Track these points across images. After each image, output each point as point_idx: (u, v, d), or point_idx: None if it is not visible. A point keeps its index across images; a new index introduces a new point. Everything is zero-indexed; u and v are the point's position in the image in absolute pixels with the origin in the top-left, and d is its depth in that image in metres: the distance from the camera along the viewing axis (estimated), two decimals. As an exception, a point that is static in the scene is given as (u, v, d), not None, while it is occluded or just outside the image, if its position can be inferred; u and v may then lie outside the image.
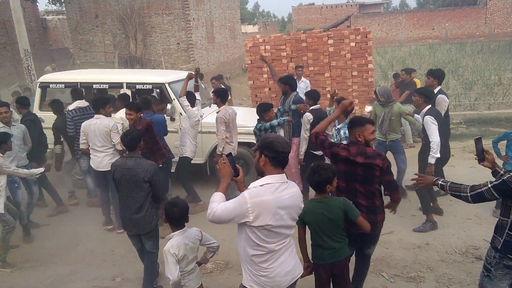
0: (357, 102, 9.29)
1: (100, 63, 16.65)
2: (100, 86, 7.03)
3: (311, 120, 5.61)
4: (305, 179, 3.06)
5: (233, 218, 2.39)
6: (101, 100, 5.56)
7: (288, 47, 9.60)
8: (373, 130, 3.38)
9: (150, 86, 6.84)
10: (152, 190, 3.95)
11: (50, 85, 7.27)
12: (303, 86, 8.51)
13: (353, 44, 9.21)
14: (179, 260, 3.04)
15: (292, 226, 2.55)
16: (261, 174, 2.52)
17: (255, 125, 5.33)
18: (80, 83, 7.03)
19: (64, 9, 20.27)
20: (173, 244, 3.04)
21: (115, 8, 16.71)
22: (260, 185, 2.43)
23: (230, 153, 2.75)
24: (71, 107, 6.24)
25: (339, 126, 5.24)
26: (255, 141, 5.46)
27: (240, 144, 6.30)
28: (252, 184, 2.47)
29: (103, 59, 16.78)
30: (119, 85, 6.97)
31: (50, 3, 17.53)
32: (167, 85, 6.67)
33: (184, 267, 3.08)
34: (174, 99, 6.58)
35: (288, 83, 6.02)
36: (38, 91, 7.27)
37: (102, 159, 5.46)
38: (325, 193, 3.02)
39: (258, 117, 5.34)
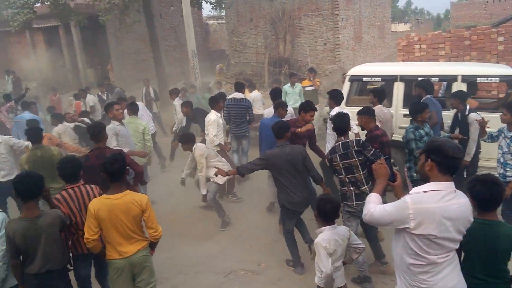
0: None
1: (252, 63, 17.82)
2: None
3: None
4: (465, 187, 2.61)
5: (391, 222, 2.34)
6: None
7: (448, 45, 8.79)
8: None
9: (497, 79, 5.92)
10: (308, 171, 4.48)
11: (363, 78, 6.73)
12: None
13: (530, 41, 7.95)
14: (329, 254, 3.09)
15: (458, 240, 2.34)
16: (426, 180, 2.37)
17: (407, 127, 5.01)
18: (400, 75, 6.27)
19: (223, 14, 22.31)
20: (324, 238, 3.12)
21: (268, 11, 17.65)
22: (424, 191, 2.29)
23: (388, 156, 2.68)
24: (229, 96, 7.22)
25: (511, 134, 4.54)
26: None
27: None
28: (415, 190, 2.35)
29: (254, 59, 17.92)
30: (452, 78, 6.05)
31: (212, 10, 19.54)
32: None
33: (332, 263, 3.12)
34: None
35: (423, 86, 5.75)
36: (346, 85, 6.72)
37: None
38: (492, 213, 2.56)
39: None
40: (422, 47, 9.05)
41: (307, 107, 5.25)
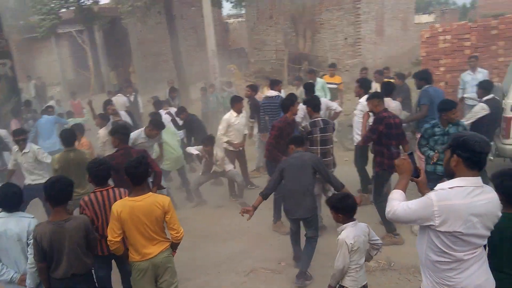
0: None
1: (271, 61, 17.76)
2: None
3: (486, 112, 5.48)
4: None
5: (415, 220, 2.29)
6: None
7: (474, 36, 8.51)
8: None
9: None
10: (324, 179, 4.40)
11: None
12: (480, 77, 7.62)
13: (562, 29, 7.59)
14: (353, 251, 3.05)
15: (485, 236, 2.28)
16: (451, 176, 2.30)
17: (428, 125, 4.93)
18: None
19: (243, 12, 22.32)
20: (348, 235, 3.07)
21: (289, 7, 17.55)
22: (449, 188, 2.23)
23: (412, 152, 2.61)
24: (269, 94, 7.24)
25: None
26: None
27: None
28: (440, 186, 2.29)
29: (273, 57, 17.85)
30: None
31: (232, 8, 19.62)
32: None
33: (358, 260, 3.09)
34: None
35: (424, 78, 6.06)
36: None
37: None
38: None
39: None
40: (447, 38, 8.77)
41: (292, 101, 5.51)
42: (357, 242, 3.05)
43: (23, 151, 5.57)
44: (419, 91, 6.05)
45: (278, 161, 5.13)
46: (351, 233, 3.08)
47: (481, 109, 5.62)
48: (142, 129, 5.98)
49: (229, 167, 6.56)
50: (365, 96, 5.69)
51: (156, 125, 5.94)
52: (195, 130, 7.55)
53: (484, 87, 5.97)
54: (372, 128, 4.88)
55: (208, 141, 6.40)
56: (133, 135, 5.76)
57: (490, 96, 5.84)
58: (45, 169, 5.73)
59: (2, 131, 7.23)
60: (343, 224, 3.18)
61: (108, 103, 7.64)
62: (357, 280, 3.12)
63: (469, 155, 2.21)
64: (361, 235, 3.10)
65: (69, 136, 5.16)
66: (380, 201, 4.87)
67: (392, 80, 7.83)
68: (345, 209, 3.16)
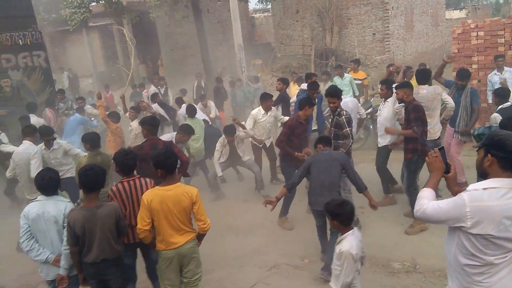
0: None
1: (298, 56, 17.66)
2: None
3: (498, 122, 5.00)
4: None
5: (445, 220, 2.23)
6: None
7: (508, 32, 8.20)
8: None
9: None
10: (349, 178, 4.47)
11: None
12: (508, 76, 7.36)
13: None
14: (356, 260, 3.02)
15: None
16: (484, 176, 2.23)
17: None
18: None
19: (269, 6, 22.23)
20: (352, 244, 3.02)
21: (315, 2, 17.38)
22: (483, 188, 2.16)
23: (443, 147, 2.53)
24: (304, 87, 7.19)
25: None
26: None
27: None
28: (472, 186, 2.21)
29: (300, 52, 17.74)
30: None
31: (258, 2, 19.57)
32: None
33: (357, 267, 3.07)
34: None
35: (468, 76, 5.94)
36: None
37: None
38: None
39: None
40: (479, 34, 8.49)
41: (310, 103, 5.62)
42: (359, 251, 3.03)
43: (52, 148, 5.73)
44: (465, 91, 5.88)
45: (291, 156, 5.51)
46: (353, 242, 3.02)
47: (493, 120, 5.12)
48: (173, 134, 6.16)
49: (247, 157, 6.76)
50: (392, 98, 5.74)
51: (187, 131, 6.07)
52: (206, 140, 7.40)
53: (500, 95, 5.46)
54: (417, 117, 4.97)
55: (230, 130, 6.58)
56: (164, 138, 5.90)
57: (508, 104, 5.33)
58: (71, 163, 5.89)
59: (40, 120, 7.69)
60: (340, 231, 3.13)
61: (155, 96, 8.35)
62: (356, 286, 3.10)
63: (504, 155, 2.13)
64: (359, 242, 3.07)
65: (95, 140, 5.17)
66: (414, 188, 5.00)
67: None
68: (340, 216, 3.08)
